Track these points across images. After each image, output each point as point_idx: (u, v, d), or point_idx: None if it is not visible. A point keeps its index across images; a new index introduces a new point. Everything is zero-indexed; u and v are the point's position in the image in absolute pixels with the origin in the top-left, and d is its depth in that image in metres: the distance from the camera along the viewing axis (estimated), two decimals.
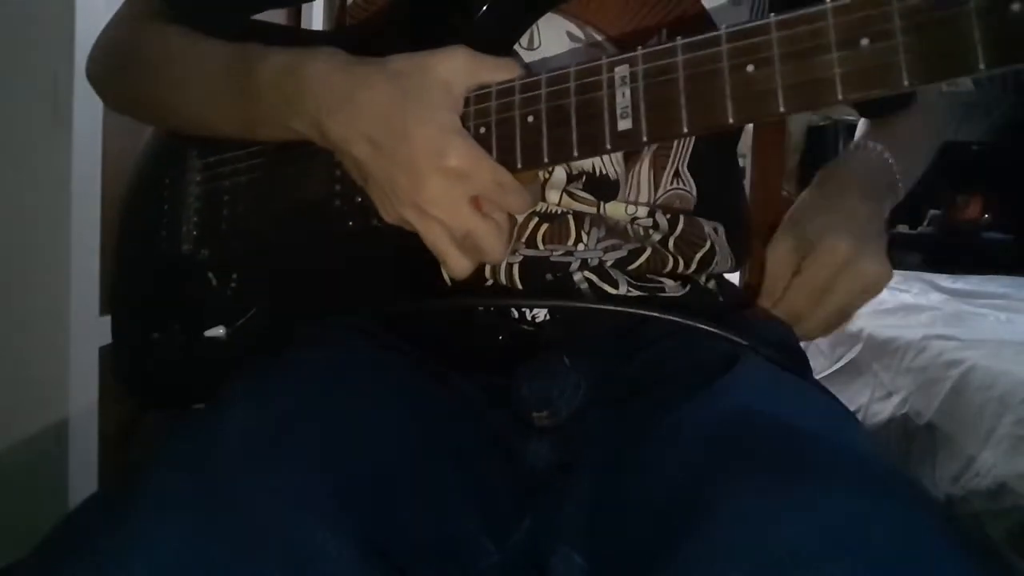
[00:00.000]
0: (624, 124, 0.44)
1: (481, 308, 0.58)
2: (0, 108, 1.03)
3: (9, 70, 1.03)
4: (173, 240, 0.65)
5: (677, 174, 0.61)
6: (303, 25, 1.88)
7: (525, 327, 0.58)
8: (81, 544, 0.34)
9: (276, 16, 1.82)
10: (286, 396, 0.44)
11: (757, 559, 0.32)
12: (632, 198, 0.59)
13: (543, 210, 0.58)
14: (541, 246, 0.58)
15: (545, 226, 0.57)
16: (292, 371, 0.47)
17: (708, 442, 0.41)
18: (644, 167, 0.59)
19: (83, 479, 1.18)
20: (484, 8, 0.52)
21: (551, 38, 0.57)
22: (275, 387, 0.45)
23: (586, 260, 0.57)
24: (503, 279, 0.57)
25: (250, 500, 0.36)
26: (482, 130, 0.48)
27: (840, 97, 0.38)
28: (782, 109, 0.39)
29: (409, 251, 0.53)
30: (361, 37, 0.62)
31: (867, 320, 1.75)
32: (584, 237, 0.58)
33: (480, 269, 0.55)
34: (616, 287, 0.57)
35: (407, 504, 0.42)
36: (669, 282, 0.59)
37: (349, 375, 0.48)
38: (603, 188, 0.58)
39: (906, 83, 0.36)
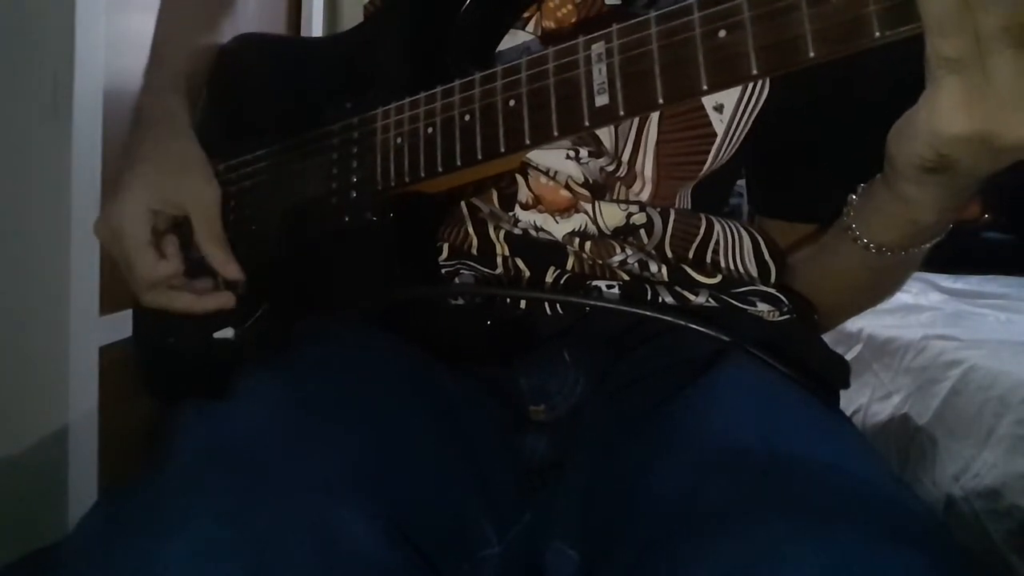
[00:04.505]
0: (601, 100, 0.44)
1: (477, 299, 0.59)
2: (0, 108, 1.03)
3: (9, 70, 1.03)
4: (185, 246, 0.65)
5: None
6: (303, 25, 1.88)
7: (517, 313, 0.58)
8: (118, 528, 0.35)
9: (277, 18, 1.83)
10: (306, 384, 0.45)
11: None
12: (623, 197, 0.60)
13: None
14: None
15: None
16: (309, 361, 0.49)
17: (696, 456, 0.41)
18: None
19: (83, 479, 1.18)
20: (468, 1, 0.54)
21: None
22: (294, 376, 0.46)
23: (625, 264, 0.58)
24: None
25: (279, 484, 0.37)
26: (467, 118, 0.49)
27: (812, 55, 0.37)
28: (755, 71, 0.39)
29: (405, 244, 0.53)
30: (362, 34, 0.64)
31: (867, 320, 1.75)
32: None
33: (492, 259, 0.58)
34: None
35: (422, 489, 0.44)
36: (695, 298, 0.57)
37: (364, 365, 0.49)
38: (596, 191, 0.59)
39: (877, 35, 0.35)
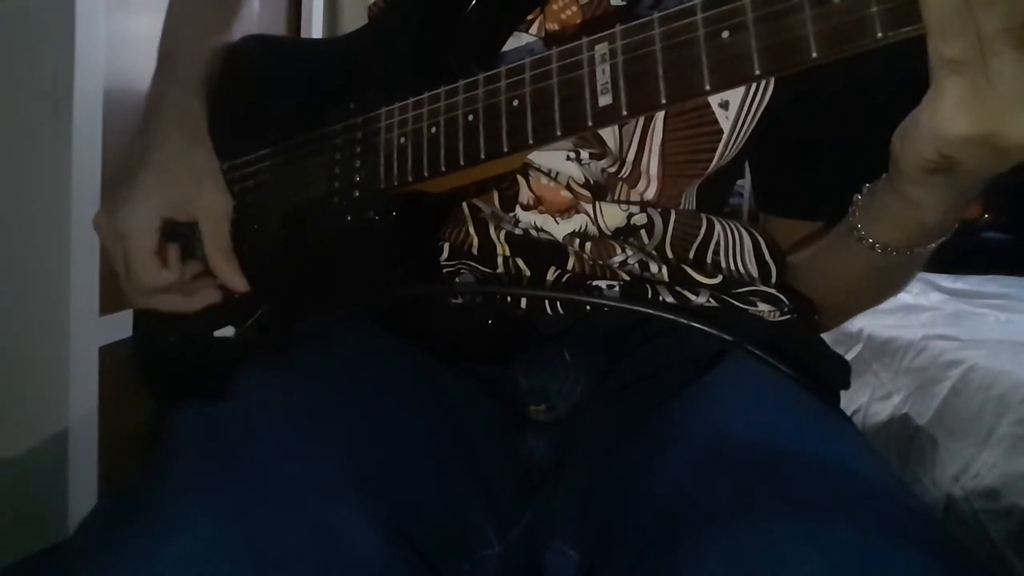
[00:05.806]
0: (605, 100, 0.44)
1: (478, 298, 0.59)
2: (0, 108, 1.03)
3: (9, 70, 1.03)
4: (188, 246, 0.65)
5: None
6: (303, 26, 1.88)
7: (518, 313, 0.58)
8: (118, 529, 0.35)
9: (277, 18, 1.83)
10: (306, 384, 0.45)
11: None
12: (624, 197, 0.60)
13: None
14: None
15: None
16: (309, 361, 0.49)
17: (697, 455, 0.41)
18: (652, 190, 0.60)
19: (83, 480, 1.18)
20: (473, 3, 0.54)
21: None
22: (295, 376, 0.46)
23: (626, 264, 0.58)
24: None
25: (278, 485, 0.37)
26: (470, 118, 0.50)
27: (814, 55, 0.37)
28: (757, 72, 0.39)
29: (407, 243, 0.53)
30: (366, 35, 0.64)
31: (867, 320, 1.75)
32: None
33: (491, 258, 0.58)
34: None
35: (423, 490, 0.44)
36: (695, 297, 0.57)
37: (364, 365, 0.49)
38: (596, 191, 0.59)
39: (879, 35, 0.35)
